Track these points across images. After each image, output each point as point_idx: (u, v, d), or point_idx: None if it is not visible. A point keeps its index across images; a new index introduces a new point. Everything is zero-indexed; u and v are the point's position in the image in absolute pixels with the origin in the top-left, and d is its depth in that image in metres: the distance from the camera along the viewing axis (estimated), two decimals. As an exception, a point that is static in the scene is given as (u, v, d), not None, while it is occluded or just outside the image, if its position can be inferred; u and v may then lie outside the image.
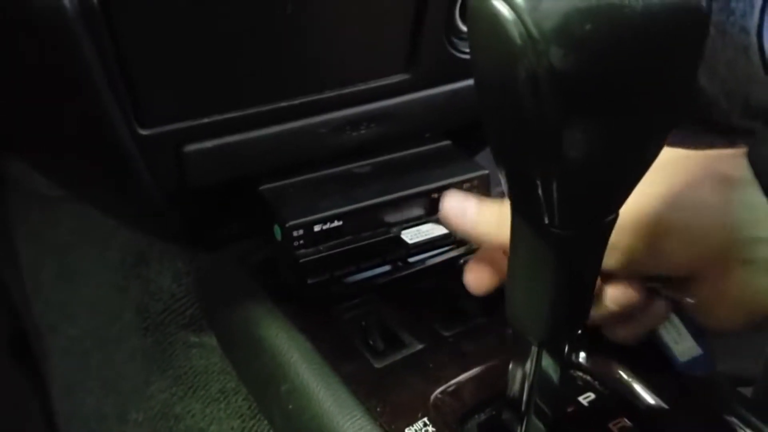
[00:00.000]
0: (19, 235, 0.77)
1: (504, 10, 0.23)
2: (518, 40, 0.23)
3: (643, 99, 0.26)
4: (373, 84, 0.50)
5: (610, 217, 0.31)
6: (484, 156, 0.64)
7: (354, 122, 0.51)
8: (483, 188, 0.56)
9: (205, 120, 0.46)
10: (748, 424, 0.44)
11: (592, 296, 0.36)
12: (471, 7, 0.25)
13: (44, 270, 0.74)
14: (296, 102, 0.48)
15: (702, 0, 0.25)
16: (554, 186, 0.27)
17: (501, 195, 0.59)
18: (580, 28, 0.23)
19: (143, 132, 0.44)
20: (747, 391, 0.52)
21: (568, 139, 0.25)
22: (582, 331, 0.37)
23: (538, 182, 0.27)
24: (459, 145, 0.60)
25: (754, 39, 0.73)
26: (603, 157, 0.27)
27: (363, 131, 0.52)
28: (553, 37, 0.23)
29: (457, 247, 0.57)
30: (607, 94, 0.25)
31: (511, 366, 0.40)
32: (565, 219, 0.29)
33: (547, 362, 0.37)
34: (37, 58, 0.42)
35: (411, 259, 0.56)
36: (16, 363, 0.79)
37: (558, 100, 0.24)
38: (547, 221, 0.29)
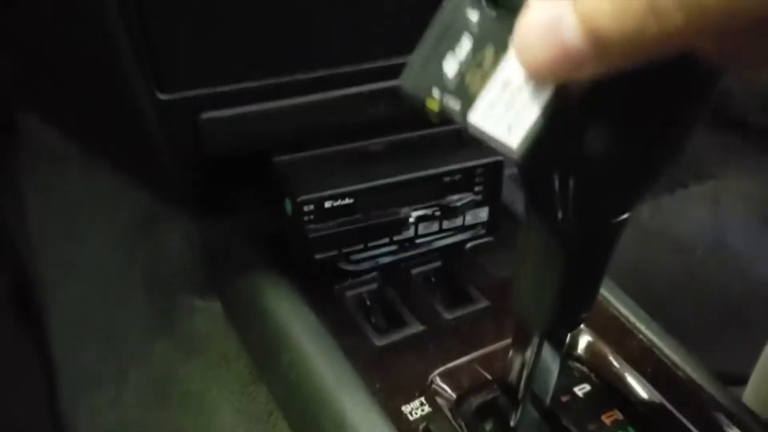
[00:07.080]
0: (28, 189, 0.77)
1: None
2: None
3: (665, 97, 0.26)
4: (394, 60, 0.50)
5: (623, 216, 0.31)
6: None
7: (372, 98, 0.51)
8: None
9: (224, 88, 0.46)
10: (737, 423, 0.45)
11: (598, 291, 0.36)
12: None
13: (51, 225, 0.74)
14: (315, 75, 0.48)
15: None
16: (571, 183, 0.28)
17: (513, 180, 0.60)
18: None
19: (162, 96, 0.44)
20: (736, 390, 0.53)
21: (588, 136, 0.25)
22: (583, 324, 0.37)
23: (555, 178, 0.28)
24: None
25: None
26: (622, 156, 0.27)
27: (381, 108, 0.51)
28: None
29: (464, 231, 0.58)
30: (628, 90, 0.25)
31: (510, 353, 0.41)
32: (579, 215, 0.29)
33: (547, 352, 0.38)
34: (62, 19, 0.42)
35: (417, 240, 0.56)
36: (18, 314, 0.79)
37: (579, 97, 0.24)
38: (560, 216, 0.29)
